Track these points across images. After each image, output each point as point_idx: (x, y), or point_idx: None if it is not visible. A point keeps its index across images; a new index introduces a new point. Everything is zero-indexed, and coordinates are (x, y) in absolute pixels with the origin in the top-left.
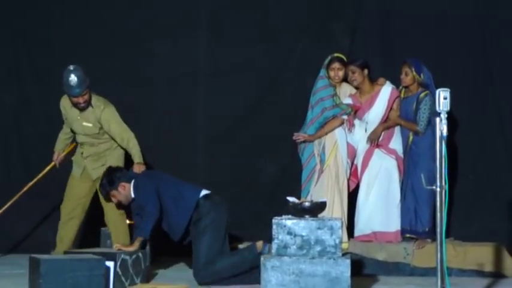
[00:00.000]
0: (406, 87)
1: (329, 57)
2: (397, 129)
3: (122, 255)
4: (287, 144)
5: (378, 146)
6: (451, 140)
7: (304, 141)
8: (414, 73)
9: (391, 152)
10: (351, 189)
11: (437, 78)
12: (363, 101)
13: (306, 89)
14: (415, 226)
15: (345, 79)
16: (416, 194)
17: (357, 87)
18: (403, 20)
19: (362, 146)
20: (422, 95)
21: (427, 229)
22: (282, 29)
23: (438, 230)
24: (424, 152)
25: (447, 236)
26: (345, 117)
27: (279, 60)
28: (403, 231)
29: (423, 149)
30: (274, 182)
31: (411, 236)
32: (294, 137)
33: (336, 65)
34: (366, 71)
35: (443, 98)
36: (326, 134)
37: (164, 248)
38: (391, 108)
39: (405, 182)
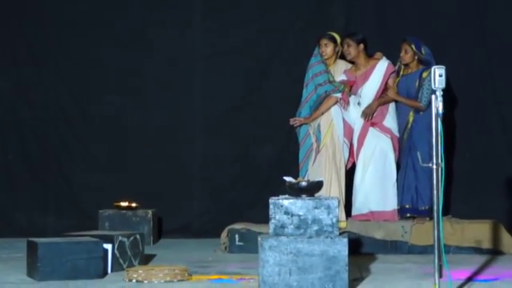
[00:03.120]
0: (405, 64)
1: (321, 35)
2: (392, 107)
3: (120, 237)
4: (284, 124)
5: (372, 124)
6: (450, 119)
7: (301, 125)
8: (415, 50)
9: (386, 130)
10: (347, 168)
11: (435, 57)
12: (358, 76)
13: (302, 69)
14: (416, 203)
15: (341, 56)
16: (417, 172)
17: (351, 62)
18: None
19: (358, 125)
20: (426, 72)
21: (427, 207)
22: (278, 9)
23: (435, 207)
24: (425, 130)
25: (446, 214)
26: (339, 95)
27: (275, 41)
28: (404, 210)
29: (424, 126)
30: (272, 162)
31: (412, 215)
32: (290, 122)
33: (324, 40)
34: (361, 46)
35: (438, 76)
36: (322, 114)
37: (170, 228)
38: (386, 84)
39: (406, 160)
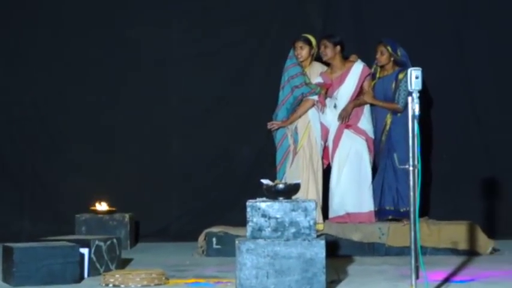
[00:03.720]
0: (381, 66)
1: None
2: (367, 109)
3: (96, 242)
4: (262, 126)
5: (347, 126)
6: (426, 120)
7: (278, 128)
8: (391, 51)
9: (361, 132)
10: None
11: (411, 59)
12: (334, 78)
13: (279, 71)
14: (398, 205)
15: (317, 59)
16: (397, 174)
17: (327, 64)
18: (376, 2)
19: (333, 127)
20: (402, 73)
21: (408, 208)
22: (257, 11)
23: (412, 208)
24: (403, 131)
25: (424, 215)
26: (316, 97)
27: (253, 43)
28: (385, 211)
29: (403, 128)
30: (250, 165)
31: (394, 217)
32: (268, 126)
33: (299, 43)
34: (338, 48)
35: (415, 77)
36: (300, 117)
37: (147, 232)
38: (361, 87)
39: (385, 162)
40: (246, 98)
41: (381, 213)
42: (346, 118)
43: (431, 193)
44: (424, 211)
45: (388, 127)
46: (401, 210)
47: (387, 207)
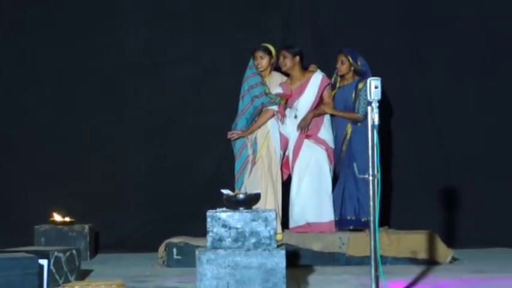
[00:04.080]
0: (342, 76)
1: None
2: (326, 118)
3: (56, 253)
4: (222, 136)
5: (307, 136)
6: (387, 130)
7: (238, 138)
8: (351, 61)
9: (321, 142)
10: (283, 180)
11: (371, 68)
12: (293, 89)
13: (239, 81)
14: (359, 215)
15: (276, 68)
16: (358, 183)
17: (287, 74)
18: (336, 11)
19: (293, 137)
20: (361, 83)
21: (368, 218)
22: (217, 21)
23: (371, 218)
24: (363, 140)
25: (384, 225)
26: (276, 108)
27: (213, 52)
28: (346, 221)
29: (363, 137)
30: (210, 175)
31: (355, 227)
32: (228, 136)
33: (259, 53)
34: (297, 58)
35: (374, 87)
36: (259, 127)
37: (107, 243)
38: (321, 97)
39: (346, 171)
40: (206, 108)
41: (342, 223)
42: (305, 128)
43: (392, 203)
44: (385, 221)
45: (348, 137)
46: (363, 220)
47: (348, 217)
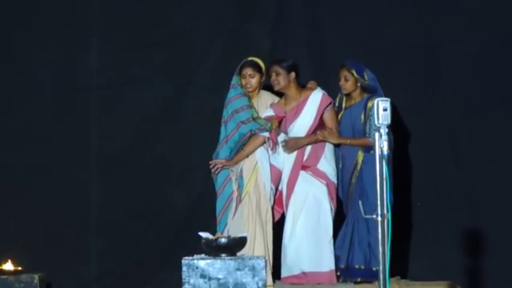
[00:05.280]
0: (347, 95)
1: (242, 62)
2: (328, 147)
3: None
4: (199, 168)
5: (304, 167)
6: (400, 160)
7: (222, 168)
8: (356, 76)
9: (320, 175)
10: (275, 221)
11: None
12: (288, 110)
13: (220, 102)
14: (369, 263)
15: (265, 87)
16: (369, 225)
17: (281, 93)
18: (333, 18)
19: (287, 168)
20: (371, 101)
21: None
22: (190, 30)
23: (381, 267)
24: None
25: (398, 274)
26: (266, 134)
27: (186, 68)
28: (354, 271)
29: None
30: (184, 215)
31: (364, 279)
32: (211, 166)
33: (248, 70)
34: (292, 75)
35: (382, 110)
36: (247, 156)
37: None
38: (321, 119)
39: (354, 209)
40: (180, 133)
41: (348, 273)
42: (292, 150)
43: (405, 246)
44: (398, 269)
45: (359, 167)
46: (374, 269)
47: (356, 266)
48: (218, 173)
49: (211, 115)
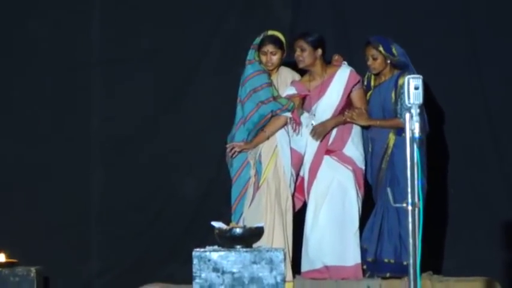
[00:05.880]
0: (376, 74)
1: (261, 36)
2: (355, 130)
3: None
4: (211, 152)
5: (328, 152)
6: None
7: (240, 152)
8: (384, 53)
9: (346, 160)
10: (296, 210)
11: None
12: (312, 88)
13: (234, 80)
14: (400, 257)
15: (285, 63)
16: (400, 215)
17: (302, 70)
18: None
19: (310, 152)
20: (402, 78)
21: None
22: (203, 3)
23: (411, 261)
24: None
25: (431, 269)
26: (288, 114)
27: (198, 43)
28: (383, 265)
29: None
30: (195, 203)
31: (394, 275)
32: (227, 149)
33: (269, 47)
34: (319, 51)
35: (414, 88)
36: (267, 138)
37: None
38: (348, 99)
39: (385, 198)
40: (190, 115)
41: (376, 268)
42: (321, 136)
43: (440, 238)
44: (431, 263)
45: (390, 151)
46: (404, 263)
47: (385, 260)
48: (235, 157)
49: (225, 94)
